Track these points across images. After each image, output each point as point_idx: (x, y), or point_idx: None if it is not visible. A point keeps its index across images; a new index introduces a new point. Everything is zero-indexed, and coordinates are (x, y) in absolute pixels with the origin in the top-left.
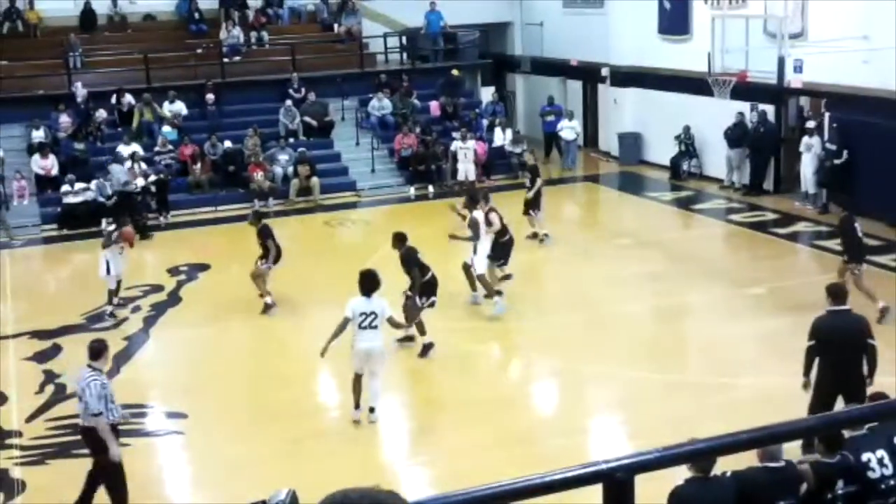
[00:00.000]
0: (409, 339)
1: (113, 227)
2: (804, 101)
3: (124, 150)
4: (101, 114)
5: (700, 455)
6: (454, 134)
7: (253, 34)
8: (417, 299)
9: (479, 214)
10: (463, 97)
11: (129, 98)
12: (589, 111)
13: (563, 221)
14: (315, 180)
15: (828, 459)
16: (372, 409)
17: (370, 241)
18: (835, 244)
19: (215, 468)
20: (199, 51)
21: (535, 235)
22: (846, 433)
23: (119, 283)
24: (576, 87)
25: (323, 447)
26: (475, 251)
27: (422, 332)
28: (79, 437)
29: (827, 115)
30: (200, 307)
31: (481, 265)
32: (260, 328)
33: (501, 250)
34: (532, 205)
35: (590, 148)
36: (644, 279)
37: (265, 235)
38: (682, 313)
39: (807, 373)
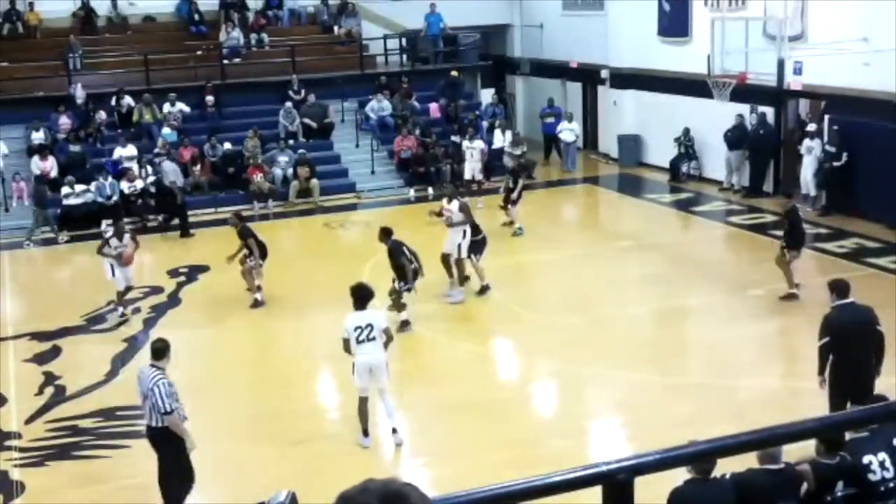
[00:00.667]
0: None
1: (111, 232)
2: (804, 103)
3: (122, 152)
4: (101, 115)
5: (700, 457)
6: (453, 137)
7: (253, 36)
8: (396, 284)
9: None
10: (462, 99)
11: (128, 100)
12: (588, 113)
13: (563, 223)
14: (315, 182)
15: (828, 461)
16: (394, 430)
17: (370, 243)
18: (835, 246)
19: (215, 469)
20: (199, 52)
21: (510, 223)
22: (847, 435)
23: (128, 287)
24: (575, 88)
25: (323, 448)
26: (464, 235)
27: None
28: (77, 438)
29: (827, 117)
30: (200, 309)
31: (465, 249)
32: (260, 329)
33: (476, 247)
34: (513, 202)
35: (589, 150)
36: (644, 281)
37: (246, 235)
38: (683, 315)
39: (822, 371)
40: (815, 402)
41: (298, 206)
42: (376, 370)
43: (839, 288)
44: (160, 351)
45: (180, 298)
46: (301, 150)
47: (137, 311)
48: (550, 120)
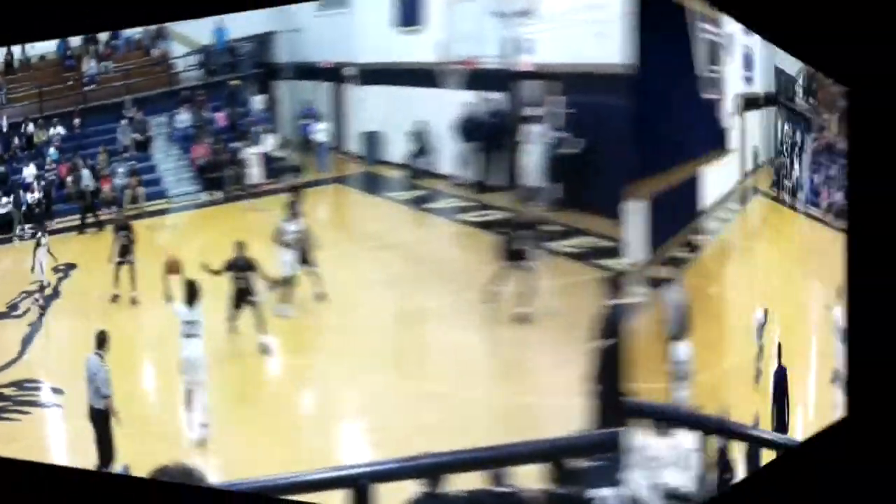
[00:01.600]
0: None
1: (40, 233)
2: (537, 84)
3: (27, 171)
4: (16, 141)
5: (434, 470)
6: (236, 143)
7: (103, 64)
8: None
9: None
10: (240, 107)
11: (31, 126)
12: (338, 112)
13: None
14: (141, 190)
15: (557, 489)
16: (205, 426)
17: (179, 245)
18: (564, 245)
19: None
20: (70, 83)
21: None
22: (584, 463)
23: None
24: (327, 88)
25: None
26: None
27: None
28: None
29: (560, 98)
30: (76, 300)
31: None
32: (120, 321)
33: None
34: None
35: (339, 149)
36: (381, 283)
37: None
38: (420, 319)
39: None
40: (552, 423)
41: (130, 211)
42: (197, 365)
43: None
44: (104, 340)
45: (59, 291)
46: (132, 162)
47: (37, 301)
48: (306, 122)
